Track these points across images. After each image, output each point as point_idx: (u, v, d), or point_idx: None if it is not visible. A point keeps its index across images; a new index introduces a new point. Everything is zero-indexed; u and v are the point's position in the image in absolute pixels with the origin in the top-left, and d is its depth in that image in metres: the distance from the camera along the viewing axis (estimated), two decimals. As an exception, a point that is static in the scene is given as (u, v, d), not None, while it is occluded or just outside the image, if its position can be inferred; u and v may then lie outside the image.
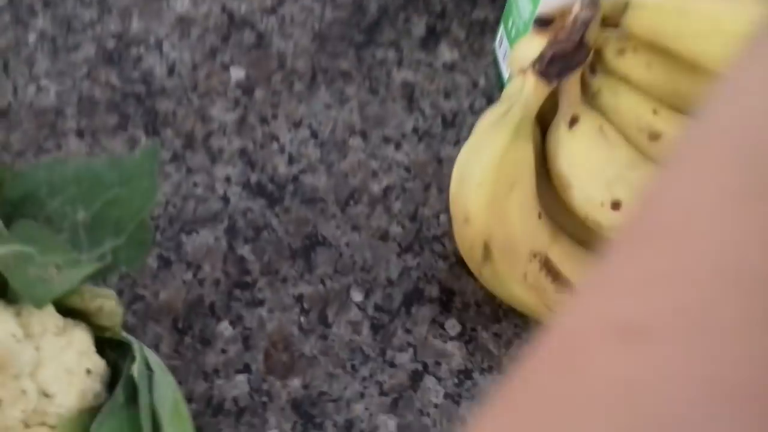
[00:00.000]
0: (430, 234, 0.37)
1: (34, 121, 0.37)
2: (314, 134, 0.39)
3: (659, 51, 0.31)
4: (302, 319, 0.33)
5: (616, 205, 0.29)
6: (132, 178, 0.25)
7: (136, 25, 0.40)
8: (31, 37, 0.39)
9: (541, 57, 0.29)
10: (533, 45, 0.32)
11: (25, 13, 0.40)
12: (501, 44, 0.41)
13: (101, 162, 0.26)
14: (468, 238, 0.30)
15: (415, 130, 0.40)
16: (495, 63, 0.42)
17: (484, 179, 0.29)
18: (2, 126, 0.36)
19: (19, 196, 0.25)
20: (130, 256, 0.25)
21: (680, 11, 0.30)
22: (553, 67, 0.29)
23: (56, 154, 0.36)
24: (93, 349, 0.24)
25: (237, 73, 0.40)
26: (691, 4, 0.30)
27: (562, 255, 0.31)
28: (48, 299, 0.23)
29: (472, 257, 0.31)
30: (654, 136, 0.31)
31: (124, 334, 0.25)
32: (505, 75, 0.41)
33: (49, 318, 0.23)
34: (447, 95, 0.41)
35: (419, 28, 0.43)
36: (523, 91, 0.29)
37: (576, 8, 0.28)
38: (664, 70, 0.32)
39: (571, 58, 0.29)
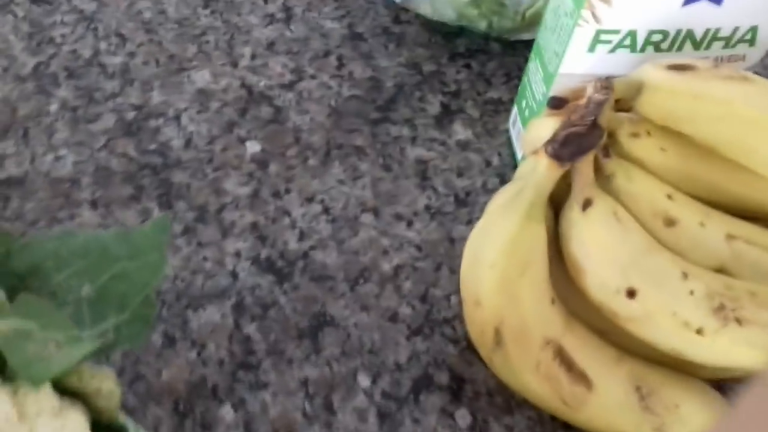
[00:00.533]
0: (440, 316, 0.36)
1: (50, 190, 0.37)
2: (326, 210, 0.38)
3: (673, 135, 0.31)
4: (307, 404, 0.32)
5: (631, 293, 0.29)
6: (140, 252, 0.25)
7: (156, 97, 0.41)
8: (53, 107, 0.40)
9: (553, 138, 0.29)
10: (546, 126, 0.31)
11: (49, 83, 0.41)
12: (515, 124, 0.42)
13: (110, 235, 0.25)
14: (479, 322, 0.29)
15: (427, 207, 0.39)
16: (509, 142, 0.42)
17: (496, 261, 0.28)
18: (17, 194, 0.36)
19: (25, 268, 0.24)
20: (132, 333, 0.25)
21: (694, 95, 0.30)
22: (566, 149, 0.29)
23: (69, 224, 0.36)
24: (88, 432, 0.23)
25: (253, 147, 0.40)
26: (705, 88, 0.30)
27: (576, 344, 0.30)
28: (46, 378, 0.22)
29: (483, 342, 0.30)
30: (669, 222, 0.31)
31: (122, 417, 0.24)
32: (519, 154, 0.41)
33: (45, 398, 0.22)
34: (460, 173, 0.41)
35: (434, 106, 0.43)
36: (536, 172, 0.29)
37: (589, 90, 0.29)
38: (678, 155, 0.31)
39: (585, 141, 0.29)
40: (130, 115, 0.40)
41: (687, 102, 0.30)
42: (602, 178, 0.31)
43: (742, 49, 0.35)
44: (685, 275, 0.29)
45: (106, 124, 0.40)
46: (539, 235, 0.29)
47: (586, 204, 0.29)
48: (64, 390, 0.24)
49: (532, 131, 0.33)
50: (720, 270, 0.31)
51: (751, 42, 0.34)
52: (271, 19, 0.46)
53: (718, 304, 0.29)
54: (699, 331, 0.29)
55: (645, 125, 0.31)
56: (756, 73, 0.34)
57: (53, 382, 0.23)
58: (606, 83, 0.28)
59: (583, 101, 0.29)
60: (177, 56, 0.43)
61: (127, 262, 0.25)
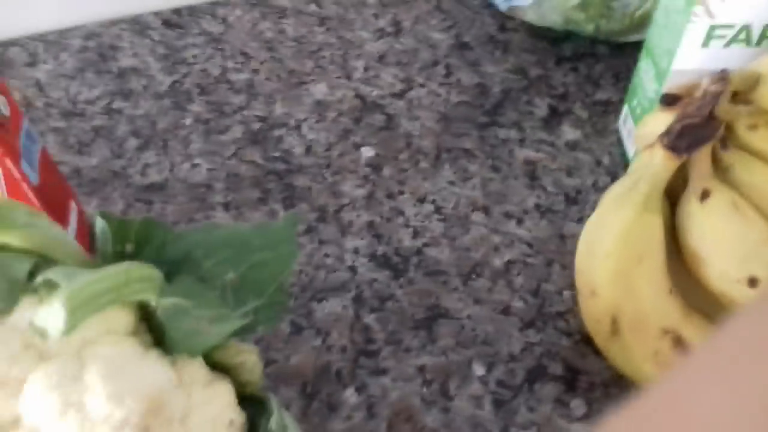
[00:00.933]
0: (553, 310, 0.36)
1: (187, 195, 0.41)
2: (438, 209, 0.40)
3: (796, 126, 0.30)
4: (425, 390, 0.34)
5: (753, 282, 0.28)
6: (275, 244, 0.27)
7: (278, 109, 0.44)
8: (188, 120, 0.44)
9: (669, 130, 0.29)
10: (660, 121, 0.32)
11: (184, 99, 0.45)
12: (625, 123, 0.42)
13: (249, 228, 0.28)
14: (595, 311, 0.30)
15: (537, 206, 0.40)
16: (619, 142, 0.42)
17: (612, 251, 0.28)
18: (159, 198, 0.40)
19: (179, 256, 0.27)
20: (268, 316, 0.27)
21: (817, 85, 0.29)
22: (682, 140, 0.29)
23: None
24: (235, 402, 0.25)
25: (367, 153, 0.42)
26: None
27: (696, 334, 0.30)
28: (201, 350, 0.25)
29: (599, 331, 0.30)
30: (794, 212, 0.30)
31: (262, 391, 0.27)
32: (630, 153, 0.41)
33: (198, 369, 0.25)
34: (570, 173, 0.41)
35: (541, 109, 0.44)
36: (652, 164, 0.29)
37: (705, 82, 0.29)
38: (801, 145, 0.31)
39: (701, 132, 0.29)
40: (256, 126, 0.44)
41: (808, 90, 0.29)
42: (721, 169, 0.30)
43: None
44: (811, 265, 0.29)
45: (235, 134, 0.43)
46: (656, 226, 0.29)
47: (704, 195, 0.29)
48: (213, 364, 0.26)
49: (646, 126, 0.33)
50: None
51: None
52: (381, 33, 0.48)
53: None
54: (829, 323, 0.28)
55: (764, 117, 0.31)
56: None
57: (204, 356, 0.26)
58: (722, 75, 0.28)
59: (698, 93, 0.29)
60: (296, 71, 0.46)
61: (264, 252, 0.28)
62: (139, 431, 0.22)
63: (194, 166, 0.42)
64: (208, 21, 0.48)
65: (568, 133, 0.43)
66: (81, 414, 0.21)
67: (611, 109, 0.44)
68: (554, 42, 0.47)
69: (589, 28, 0.44)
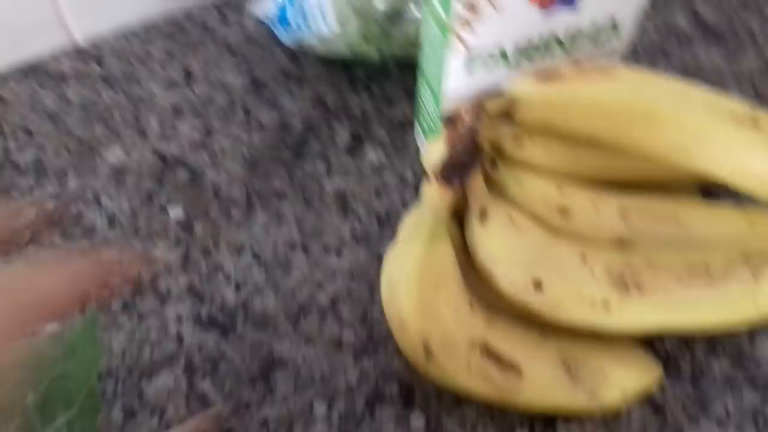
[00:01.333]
0: (382, 334, 0.38)
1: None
2: (256, 257, 0.40)
3: (554, 134, 0.34)
4: (269, 443, 0.34)
5: (538, 285, 0.31)
6: (76, 350, 0.27)
7: (72, 183, 0.42)
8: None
9: (441, 165, 0.31)
10: (438, 149, 0.34)
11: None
12: (419, 137, 0.44)
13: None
14: (408, 341, 0.31)
15: (353, 235, 0.42)
16: (418, 154, 0.45)
17: (410, 286, 0.30)
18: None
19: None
20: (85, 425, 0.26)
21: (565, 102, 0.33)
22: (452, 173, 0.31)
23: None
24: None
25: (175, 212, 0.42)
26: (573, 94, 0.33)
27: (500, 337, 0.32)
28: None
29: (416, 358, 0.32)
30: (563, 211, 0.33)
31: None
32: (429, 167, 0.43)
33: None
34: (378, 195, 0.43)
35: (343, 136, 0.46)
36: (432, 197, 0.32)
37: (462, 115, 0.31)
38: (561, 150, 0.34)
39: (468, 161, 0.31)
40: (50, 205, 0.41)
41: (558, 109, 0.33)
42: (497, 187, 0.33)
43: (608, 41, 0.38)
44: (583, 258, 0.32)
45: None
46: (445, 253, 0.31)
47: (482, 215, 0.32)
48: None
49: (429, 155, 0.36)
50: (620, 243, 0.34)
51: (615, 33, 0.37)
52: (172, 83, 0.47)
53: (618, 277, 0.32)
54: (605, 305, 0.32)
55: (526, 132, 0.34)
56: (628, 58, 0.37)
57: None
58: (477, 107, 0.31)
59: (459, 127, 0.31)
60: (86, 139, 0.44)
61: (65, 362, 0.27)
62: None
63: (-11, 261, 0.39)
64: (-23, 100, 0.45)
65: (372, 156, 0.45)
66: None
67: (408, 126, 0.46)
68: (346, 67, 0.49)
69: (375, 56, 0.46)
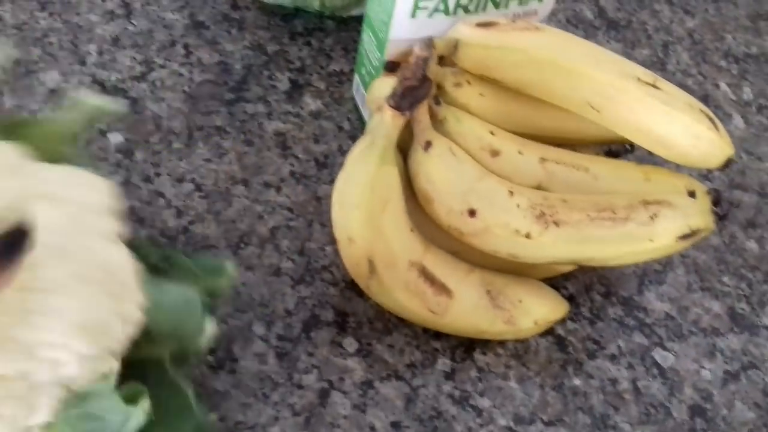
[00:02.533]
0: (318, 265, 0.40)
1: None
2: (198, 187, 0.41)
3: (489, 82, 0.37)
4: (210, 358, 0.35)
5: (472, 213, 0.35)
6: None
7: (9, 101, 0.41)
8: None
9: (393, 93, 0.34)
10: (386, 84, 0.37)
11: None
12: (358, 91, 0.47)
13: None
14: (354, 256, 0.34)
15: (292, 173, 0.43)
16: (355, 108, 0.47)
17: (360, 201, 0.33)
18: None
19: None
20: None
21: (498, 46, 0.36)
22: (404, 100, 0.34)
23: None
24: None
25: (115, 138, 0.42)
26: (506, 39, 0.36)
27: (435, 262, 0.35)
28: None
29: (359, 274, 0.34)
30: (494, 153, 0.37)
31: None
32: (366, 117, 0.46)
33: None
34: (316, 140, 0.45)
35: (283, 83, 0.47)
36: (383, 123, 0.34)
37: (416, 49, 0.34)
38: (494, 98, 0.38)
39: (418, 92, 0.34)
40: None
41: (494, 52, 0.36)
42: (437, 122, 0.36)
43: (533, 5, 0.42)
44: (511, 193, 0.36)
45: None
46: (393, 175, 0.34)
47: (427, 145, 0.35)
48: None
49: (375, 91, 0.38)
50: (539, 187, 0.38)
51: (539, -2, 0.42)
52: (111, 15, 0.47)
53: (539, 213, 0.36)
54: (527, 236, 0.35)
55: (465, 76, 0.38)
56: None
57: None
58: (428, 42, 0.34)
59: (412, 59, 0.34)
60: (23, 60, 0.43)
61: None
62: None
63: None
64: None
65: (310, 103, 0.47)
66: None
67: (344, 78, 0.49)
68: (286, 18, 0.50)
69: (315, 4, 0.48)
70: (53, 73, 0.43)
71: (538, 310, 0.38)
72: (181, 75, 0.45)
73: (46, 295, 0.24)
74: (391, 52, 0.41)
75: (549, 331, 0.40)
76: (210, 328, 0.29)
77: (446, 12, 0.40)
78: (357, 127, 0.46)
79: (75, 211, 0.27)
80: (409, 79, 0.34)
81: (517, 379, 0.39)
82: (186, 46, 0.47)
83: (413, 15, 0.39)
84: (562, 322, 0.40)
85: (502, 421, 0.37)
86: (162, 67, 0.45)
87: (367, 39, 0.43)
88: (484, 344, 0.39)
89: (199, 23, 0.48)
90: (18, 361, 0.23)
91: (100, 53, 0.45)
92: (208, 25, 0.48)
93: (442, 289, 0.35)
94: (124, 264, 0.27)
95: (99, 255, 0.26)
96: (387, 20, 0.40)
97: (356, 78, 0.46)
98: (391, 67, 0.42)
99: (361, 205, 0.33)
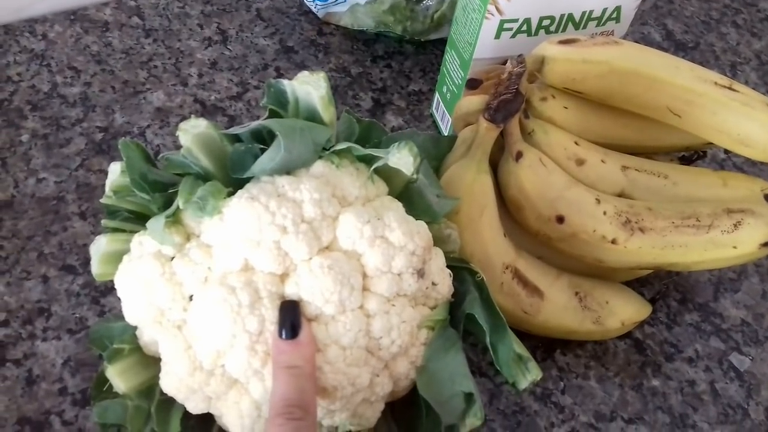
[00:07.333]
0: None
1: (39, 209, 0.40)
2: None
3: (572, 95, 0.40)
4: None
5: (560, 219, 0.36)
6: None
7: (119, 118, 0.45)
8: (25, 137, 0.43)
9: (488, 107, 0.36)
10: (472, 102, 0.39)
11: (16, 116, 0.43)
12: (438, 108, 0.49)
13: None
14: (452, 257, 0.36)
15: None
16: (434, 124, 0.50)
17: (460, 208, 0.35)
18: (9, 215, 0.39)
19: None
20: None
21: (583, 60, 0.38)
22: (498, 114, 0.36)
23: (63, 236, 0.39)
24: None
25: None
26: (588, 53, 0.38)
27: (526, 266, 0.37)
28: (436, 217, 0.31)
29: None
30: (579, 162, 0.39)
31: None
32: (444, 133, 0.48)
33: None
34: (399, 155, 0.48)
35: (366, 101, 0.50)
36: (478, 135, 0.37)
37: (509, 66, 0.36)
38: (576, 110, 0.40)
39: (511, 106, 0.36)
40: (98, 136, 0.44)
41: (578, 66, 0.38)
42: (525, 134, 0.38)
43: (610, 25, 0.44)
44: (597, 201, 0.38)
45: (78, 146, 0.43)
46: (488, 184, 0.36)
47: (519, 156, 0.37)
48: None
49: (462, 108, 0.41)
50: (621, 194, 0.39)
51: (617, 19, 0.44)
52: (209, 41, 0.51)
53: (625, 220, 0.37)
54: (614, 242, 0.37)
55: (550, 90, 0.40)
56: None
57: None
58: (521, 59, 0.36)
59: (505, 75, 0.37)
60: (130, 81, 0.47)
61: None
62: (420, 261, 0.29)
63: (40, 180, 0.41)
64: (27, 38, 0.47)
65: (392, 120, 0.49)
66: (386, 243, 0.29)
67: (423, 97, 0.51)
68: (367, 43, 0.53)
69: (397, 29, 0.51)
70: (159, 93, 0.47)
71: (624, 311, 0.40)
72: (273, 95, 0.49)
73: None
74: (473, 71, 0.43)
75: (627, 335, 0.41)
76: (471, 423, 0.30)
77: (528, 33, 0.42)
78: (436, 143, 0.49)
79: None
80: (503, 93, 0.36)
81: (596, 378, 0.40)
82: (277, 69, 0.50)
83: (497, 36, 0.42)
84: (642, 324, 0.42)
85: (584, 418, 0.38)
86: (256, 87, 0.49)
87: (449, 59, 0.46)
88: (565, 345, 0.40)
89: (289, 48, 0.52)
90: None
91: (200, 75, 0.48)
92: (297, 50, 0.52)
93: (535, 290, 0.37)
94: None
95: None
96: (472, 41, 0.42)
97: (436, 96, 0.49)
98: (472, 84, 0.44)
99: (461, 211, 0.35)
